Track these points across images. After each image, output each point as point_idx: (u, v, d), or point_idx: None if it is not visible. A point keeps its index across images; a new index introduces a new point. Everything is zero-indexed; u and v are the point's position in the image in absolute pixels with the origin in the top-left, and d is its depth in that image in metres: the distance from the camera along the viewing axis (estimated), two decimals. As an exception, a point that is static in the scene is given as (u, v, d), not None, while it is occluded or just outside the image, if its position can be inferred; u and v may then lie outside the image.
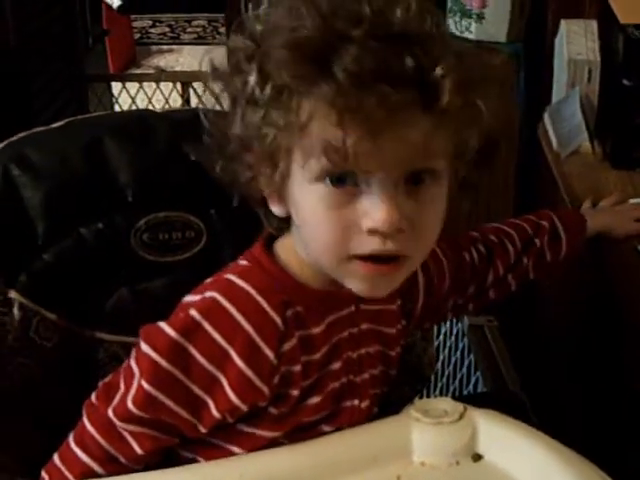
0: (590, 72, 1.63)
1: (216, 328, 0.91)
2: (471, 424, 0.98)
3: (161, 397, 0.91)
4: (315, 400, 0.96)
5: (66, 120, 1.18)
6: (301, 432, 0.97)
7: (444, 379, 1.78)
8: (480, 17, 2.03)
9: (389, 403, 1.08)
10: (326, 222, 0.87)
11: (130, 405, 0.91)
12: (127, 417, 0.92)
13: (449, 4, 2.10)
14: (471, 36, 2.04)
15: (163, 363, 0.90)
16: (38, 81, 2.61)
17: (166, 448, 0.96)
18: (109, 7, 4.37)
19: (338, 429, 0.98)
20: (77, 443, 0.95)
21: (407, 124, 0.83)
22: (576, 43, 1.67)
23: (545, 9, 1.96)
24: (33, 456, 0.99)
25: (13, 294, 1.07)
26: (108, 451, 0.93)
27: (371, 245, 0.86)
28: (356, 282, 0.91)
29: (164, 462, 0.96)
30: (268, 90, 0.85)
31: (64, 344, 1.10)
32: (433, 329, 1.29)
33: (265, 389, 0.92)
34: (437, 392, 1.76)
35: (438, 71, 0.83)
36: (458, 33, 2.04)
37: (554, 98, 1.76)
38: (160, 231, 1.14)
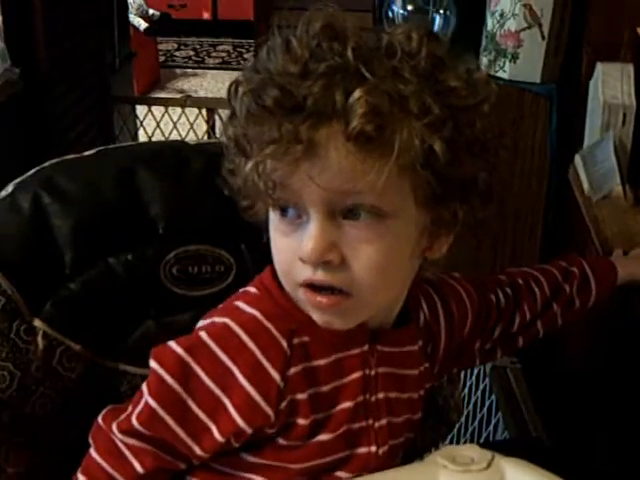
0: (625, 116, 1.61)
1: (222, 348, 0.92)
2: (499, 473, 0.96)
3: (162, 414, 0.91)
4: (325, 437, 0.95)
5: (98, 149, 1.17)
6: (316, 477, 0.96)
7: (463, 419, 1.76)
8: (515, 57, 2.02)
9: (413, 447, 1.06)
10: (278, 249, 0.92)
11: (134, 420, 0.92)
12: (128, 431, 0.93)
13: (484, 42, 2.10)
14: (505, 75, 2.04)
15: (168, 379, 0.91)
16: (65, 102, 2.61)
17: (174, 475, 0.95)
18: (136, 29, 4.40)
19: (355, 477, 0.97)
20: (83, 472, 0.95)
21: (328, 156, 0.84)
22: (612, 86, 1.66)
23: (580, 51, 1.95)
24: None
25: (38, 323, 1.06)
26: (111, 475, 0.93)
27: (305, 273, 0.89)
28: (311, 311, 0.92)
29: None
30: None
31: (87, 375, 1.09)
32: (460, 373, 1.27)
33: (271, 412, 0.91)
34: (455, 432, 1.74)
35: (355, 95, 0.83)
36: (492, 72, 2.04)
37: (586, 141, 1.75)
38: (190, 264, 1.13)
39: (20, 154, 2.39)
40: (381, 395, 0.99)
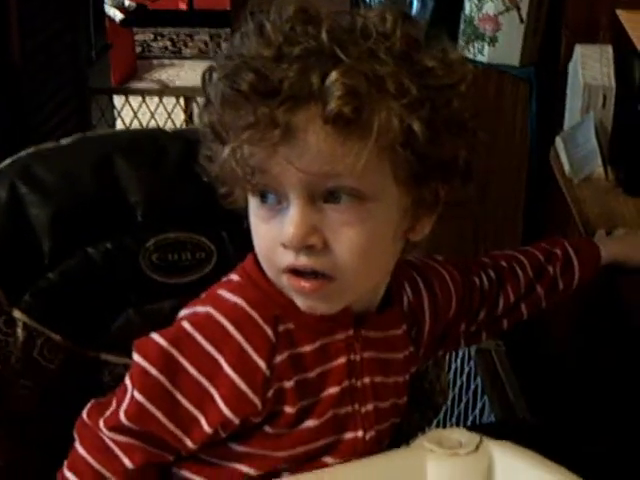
0: (605, 98, 1.61)
1: (206, 338, 0.91)
2: (487, 455, 0.96)
3: (150, 408, 0.91)
4: (312, 423, 0.95)
5: (75, 136, 1.15)
6: (303, 463, 0.95)
7: (448, 403, 1.76)
8: (493, 40, 2.02)
9: (399, 432, 1.06)
10: (259, 235, 0.92)
11: (122, 416, 0.91)
12: (117, 427, 0.92)
13: (462, 26, 2.09)
14: (483, 59, 2.04)
15: (153, 372, 0.91)
16: (41, 94, 2.59)
17: (161, 467, 0.95)
18: (112, 20, 4.37)
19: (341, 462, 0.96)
20: (70, 468, 0.94)
21: (306, 140, 0.83)
22: (591, 68, 1.66)
23: (559, 33, 1.95)
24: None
25: (17, 313, 1.05)
26: (98, 471, 0.92)
27: (287, 259, 0.89)
28: (295, 296, 0.92)
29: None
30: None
31: (68, 366, 1.08)
32: (445, 356, 1.26)
33: (257, 401, 0.91)
34: (441, 416, 1.74)
35: (331, 77, 0.82)
36: (471, 56, 2.04)
37: (567, 123, 1.75)
38: (169, 252, 1.12)
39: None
40: (367, 380, 0.99)
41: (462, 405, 1.71)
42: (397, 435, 1.05)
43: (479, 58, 2.06)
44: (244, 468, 0.95)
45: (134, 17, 4.91)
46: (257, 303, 0.94)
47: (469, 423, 1.68)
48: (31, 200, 1.07)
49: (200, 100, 0.98)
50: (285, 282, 0.91)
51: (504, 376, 1.60)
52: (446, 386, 1.27)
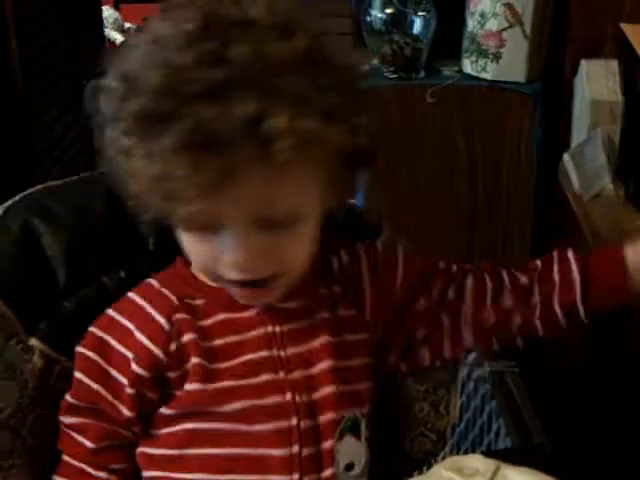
0: (612, 112, 1.60)
1: (121, 313, 1.01)
2: (504, 483, 0.94)
3: (86, 380, 1.00)
4: (229, 383, 0.98)
5: (83, 174, 1.16)
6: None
7: (462, 425, 1.74)
8: (497, 57, 2.01)
9: (410, 458, 1.04)
10: (194, 251, 0.95)
11: (68, 397, 1.01)
12: (67, 409, 1.01)
13: (465, 44, 2.08)
14: (488, 76, 2.03)
15: (89, 353, 1.00)
16: (42, 120, 2.58)
17: (124, 448, 1.00)
18: (112, 43, 4.37)
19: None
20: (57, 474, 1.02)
21: (244, 180, 0.83)
22: (597, 83, 1.65)
23: (564, 49, 1.94)
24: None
25: (34, 341, 1.05)
26: (68, 462, 1.01)
27: (234, 275, 0.92)
28: (238, 297, 0.98)
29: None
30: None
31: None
32: (457, 380, 1.22)
33: (160, 354, 0.97)
34: (455, 439, 1.72)
35: (271, 122, 0.81)
36: (475, 73, 2.03)
37: (574, 138, 1.75)
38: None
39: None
40: (290, 351, 1.00)
41: (477, 428, 1.69)
42: (408, 460, 1.04)
43: (483, 75, 2.06)
44: (188, 425, 0.98)
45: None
46: (167, 282, 1.02)
47: (484, 447, 1.66)
48: (44, 230, 1.07)
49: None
50: (231, 289, 0.97)
51: (519, 399, 1.58)
52: (454, 409, 1.24)
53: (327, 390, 1.00)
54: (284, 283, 0.96)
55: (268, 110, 0.80)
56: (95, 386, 0.99)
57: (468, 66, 2.07)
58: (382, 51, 2.27)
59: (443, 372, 1.15)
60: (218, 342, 0.99)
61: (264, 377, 0.98)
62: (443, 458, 1.04)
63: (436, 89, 2.16)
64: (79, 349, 1.01)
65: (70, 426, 1.01)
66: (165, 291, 1.02)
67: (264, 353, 0.99)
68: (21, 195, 1.11)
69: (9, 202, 1.10)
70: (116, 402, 0.99)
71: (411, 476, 1.04)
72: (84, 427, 1.00)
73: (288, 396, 0.98)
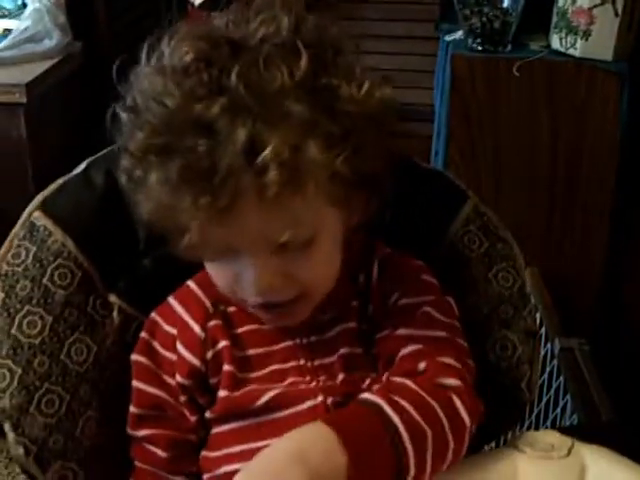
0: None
1: (164, 319, 1.02)
2: (579, 460, 0.95)
3: (144, 387, 1.01)
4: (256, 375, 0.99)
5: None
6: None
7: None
8: (586, 34, 1.98)
9: (486, 433, 1.04)
10: (215, 275, 0.96)
11: (132, 409, 1.01)
12: (135, 421, 1.01)
13: (555, 19, 2.06)
14: (576, 53, 2.00)
15: (140, 359, 1.02)
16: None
17: (193, 454, 1.00)
18: (191, 4, 4.39)
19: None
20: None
21: (244, 211, 0.84)
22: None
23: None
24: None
25: (113, 298, 1.07)
26: (146, 470, 1.01)
27: (256, 299, 0.92)
28: (265, 320, 0.99)
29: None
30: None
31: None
32: (538, 355, 1.20)
33: (198, 362, 0.99)
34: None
35: (265, 154, 0.81)
36: (563, 50, 2.00)
37: (661, 120, 1.71)
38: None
39: (81, 129, 2.40)
40: (317, 362, 1.00)
41: (542, 404, 1.69)
42: (481, 434, 1.04)
43: (571, 52, 2.03)
44: (226, 427, 0.98)
45: (212, 1, 4.92)
46: (203, 284, 1.02)
47: (549, 423, 1.66)
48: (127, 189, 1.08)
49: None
50: (253, 311, 0.97)
51: (588, 376, 1.57)
52: (534, 386, 1.24)
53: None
54: (309, 304, 0.96)
55: (263, 141, 0.81)
56: (153, 390, 1.01)
57: (557, 42, 2.04)
58: (471, 22, 2.26)
59: (527, 346, 1.14)
60: (250, 352, 1.00)
61: (290, 380, 0.99)
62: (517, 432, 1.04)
63: (523, 63, 2.14)
64: (133, 356, 1.03)
65: (141, 439, 1.01)
66: (201, 295, 1.02)
67: (292, 363, 1.00)
68: (105, 150, 1.11)
69: (93, 157, 1.12)
70: (178, 405, 1.00)
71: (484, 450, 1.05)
72: (155, 438, 1.01)
73: (319, 399, 0.96)
